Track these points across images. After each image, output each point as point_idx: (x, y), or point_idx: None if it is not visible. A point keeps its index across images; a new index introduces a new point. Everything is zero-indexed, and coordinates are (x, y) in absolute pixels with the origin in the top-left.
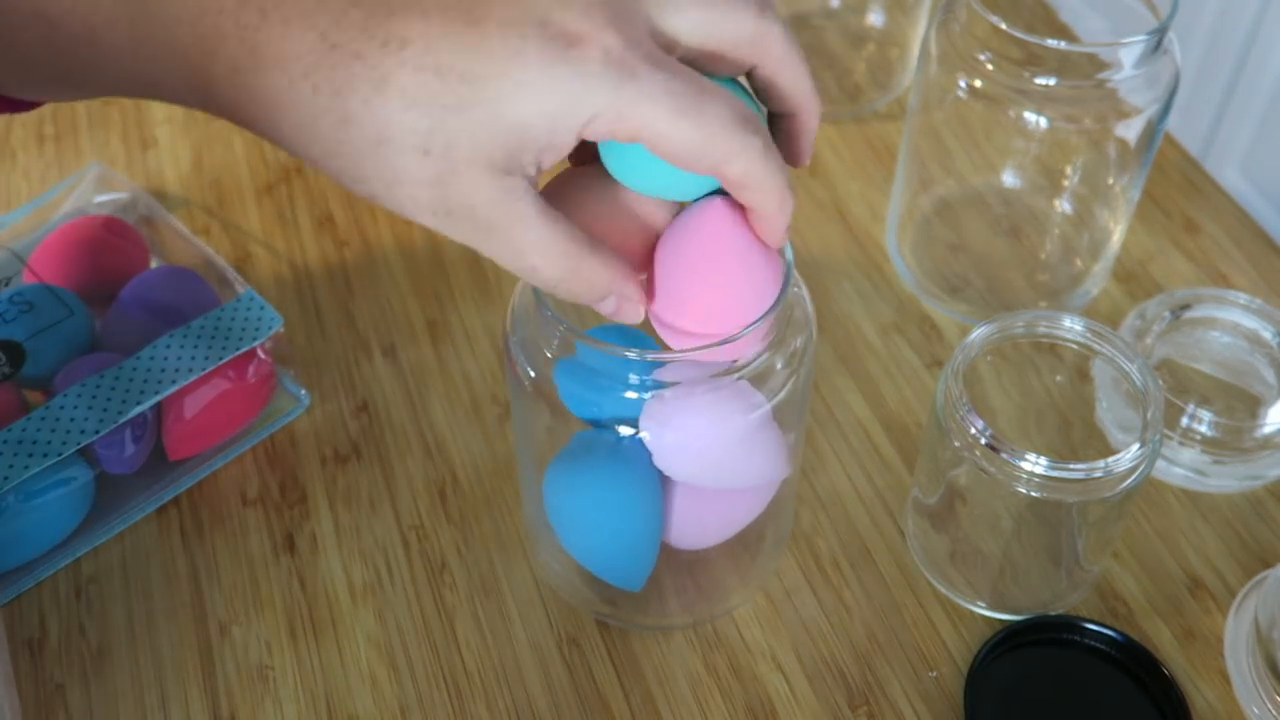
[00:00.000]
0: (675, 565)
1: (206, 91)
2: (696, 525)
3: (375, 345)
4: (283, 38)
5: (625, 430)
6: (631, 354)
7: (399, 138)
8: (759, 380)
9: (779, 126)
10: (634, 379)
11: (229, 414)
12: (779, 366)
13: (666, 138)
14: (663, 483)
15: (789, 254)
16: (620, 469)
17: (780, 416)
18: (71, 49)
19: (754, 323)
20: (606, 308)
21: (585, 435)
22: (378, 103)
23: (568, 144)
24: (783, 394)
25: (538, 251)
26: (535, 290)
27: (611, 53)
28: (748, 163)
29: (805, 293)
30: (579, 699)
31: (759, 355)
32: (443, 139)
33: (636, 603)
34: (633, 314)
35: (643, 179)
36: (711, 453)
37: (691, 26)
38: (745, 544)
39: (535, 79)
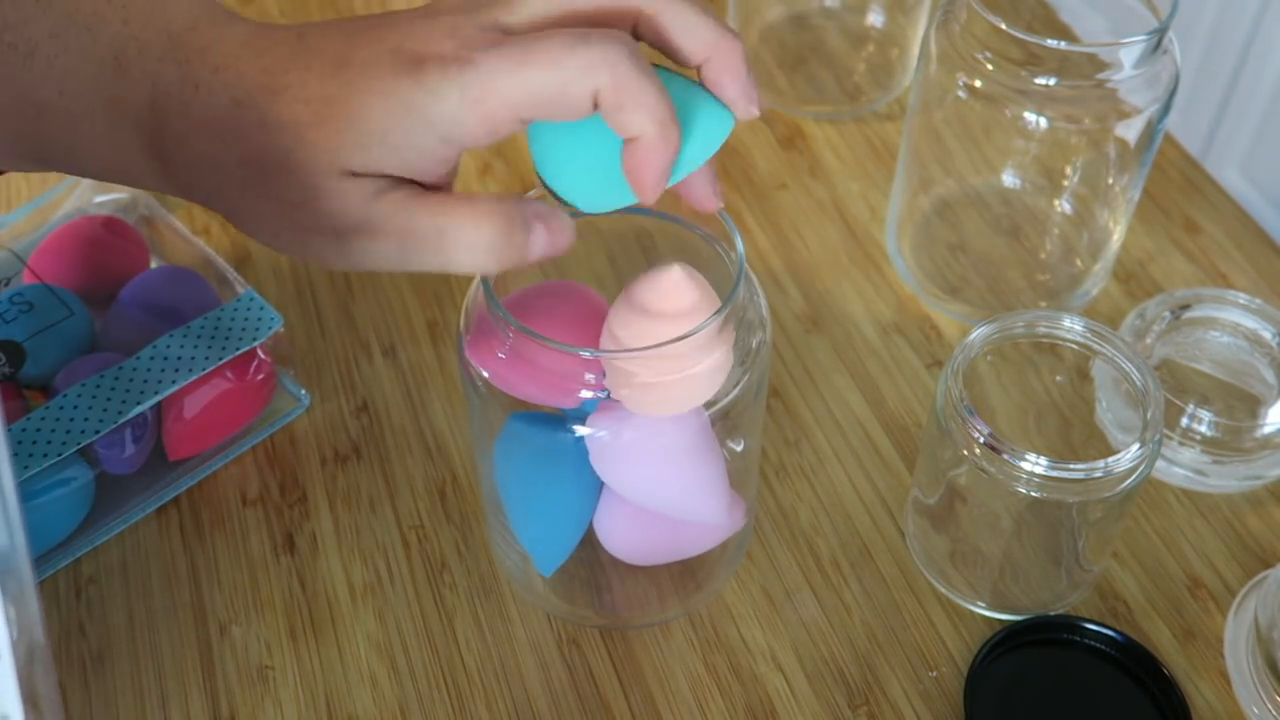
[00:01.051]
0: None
1: (163, 166)
2: (638, 541)
3: (375, 345)
4: (206, 104)
5: (581, 430)
6: (585, 352)
7: (272, 165)
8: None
9: (706, 80)
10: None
11: (229, 414)
12: (733, 365)
13: (527, 95)
14: (606, 494)
15: (740, 248)
16: (558, 454)
17: (734, 418)
18: (56, 137)
19: (703, 324)
20: (537, 243)
21: (533, 415)
22: (258, 137)
23: (441, 155)
24: (735, 391)
25: (437, 220)
26: (486, 289)
27: (447, 57)
28: (612, 71)
29: (761, 295)
30: (579, 699)
31: (726, 394)
32: (302, 154)
33: (619, 603)
34: (566, 228)
35: (572, 180)
36: (651, 464)
37: (545, 6)
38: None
39: (388, 94)
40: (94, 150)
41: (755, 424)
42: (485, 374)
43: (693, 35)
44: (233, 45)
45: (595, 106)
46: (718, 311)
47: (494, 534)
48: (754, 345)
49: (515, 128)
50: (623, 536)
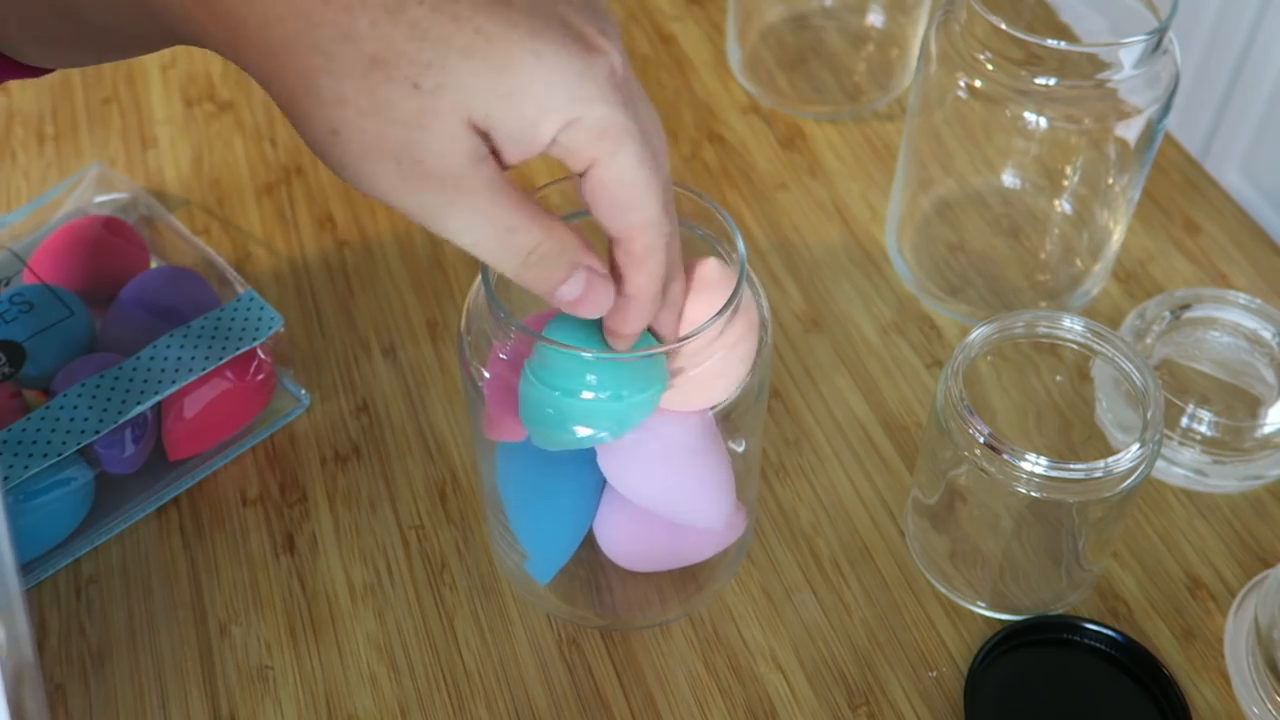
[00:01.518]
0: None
1: (209, 16)
2: (638, 547)
3: (375, 345)
4: None
5: (583, 431)
6: (587, 354)
7: (394, 63)
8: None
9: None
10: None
11: (229, 414)
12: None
13: (618, 181)
14: (608, 498)
15: (742, 250)
16: (559, 459)
17: (735, 419)
18: None
19: (704, 325)
20: (575, 287)
21: None
22: (386, 25)
23: (542, 141)
24: (737, 392)
25: (514, 212)
26: (488, 289)
27: (617, 74)
28: (651, 243)
29: (763, 296)
30: (579, 699)
31: (734, 393)
32: (437, 77)
33: (619, 604)
34: (604, 293)
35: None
36: (658, 464)
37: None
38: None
39: (549, 57)
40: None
41: (757, 425)
42: (487, 375)
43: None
44: None
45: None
46: (720, 311)
47: (494, 535)
48: (755, 346)
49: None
50: (623, 542)
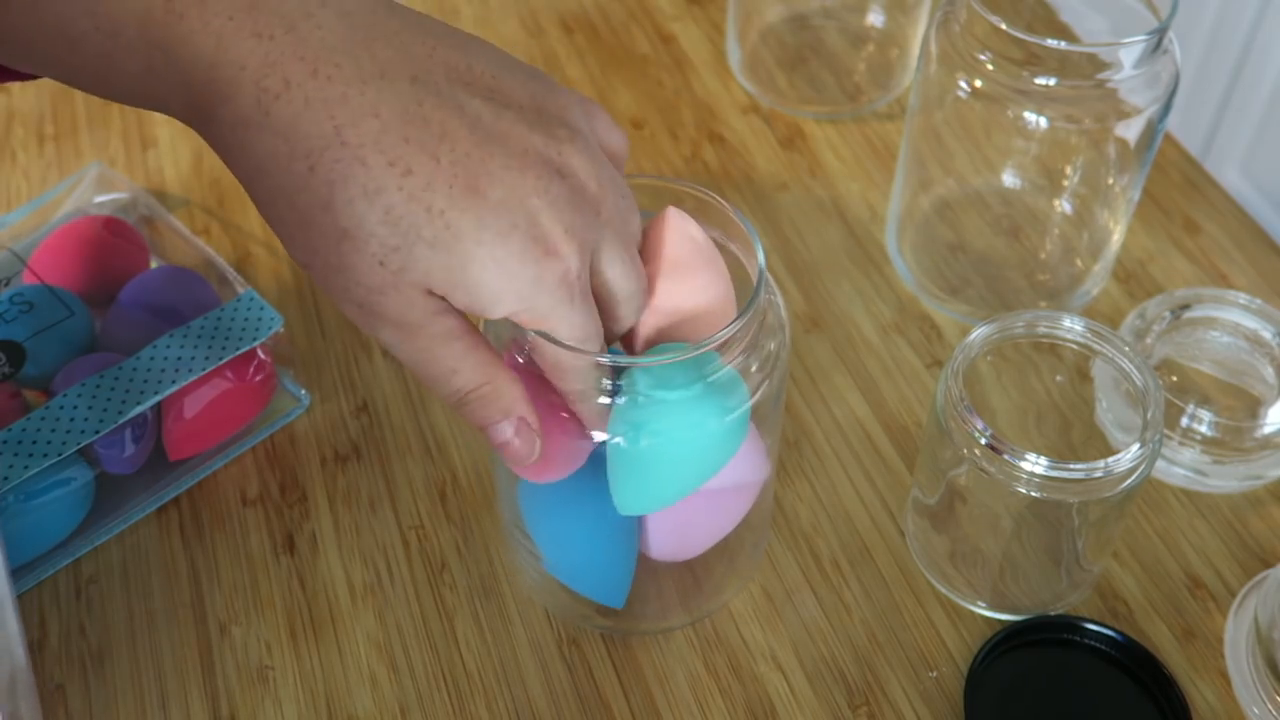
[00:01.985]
0: (663, 568)
1: (206, 128)
2: (676, 536)
3: (375, 345)
4: (298, 113)
5: (599, 436)
6: (604, 360)
7: (364, 241)
8: None
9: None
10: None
11: (229, 414)
12: (753, 370)
13: (553, 353)
14: None
15: (761, 259)
16: (594, 479)
17: (755, 421)
18: (83, 67)
19: (725, 329)
20: (504, 432)
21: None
22: (362, 206)
23: (494, 316)
24: (757, 397)
25: (458, 357)
26: None
27: (569, 275)
28: (584, 410)
29: (779, 298)
30: (579, 699)
31: (733, 358)
32: (401, 260)
33: (629, 609)
34: (530, 445)
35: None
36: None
37: (615, 279)
38: (729, 537)
39: (506, 265)
40: (123, 85)
41: (775, 428)
42: None
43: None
44: (337, 36)
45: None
46: (740, 316)
47: (513, 548)
48: (773, 349)
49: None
50: (666, 538)
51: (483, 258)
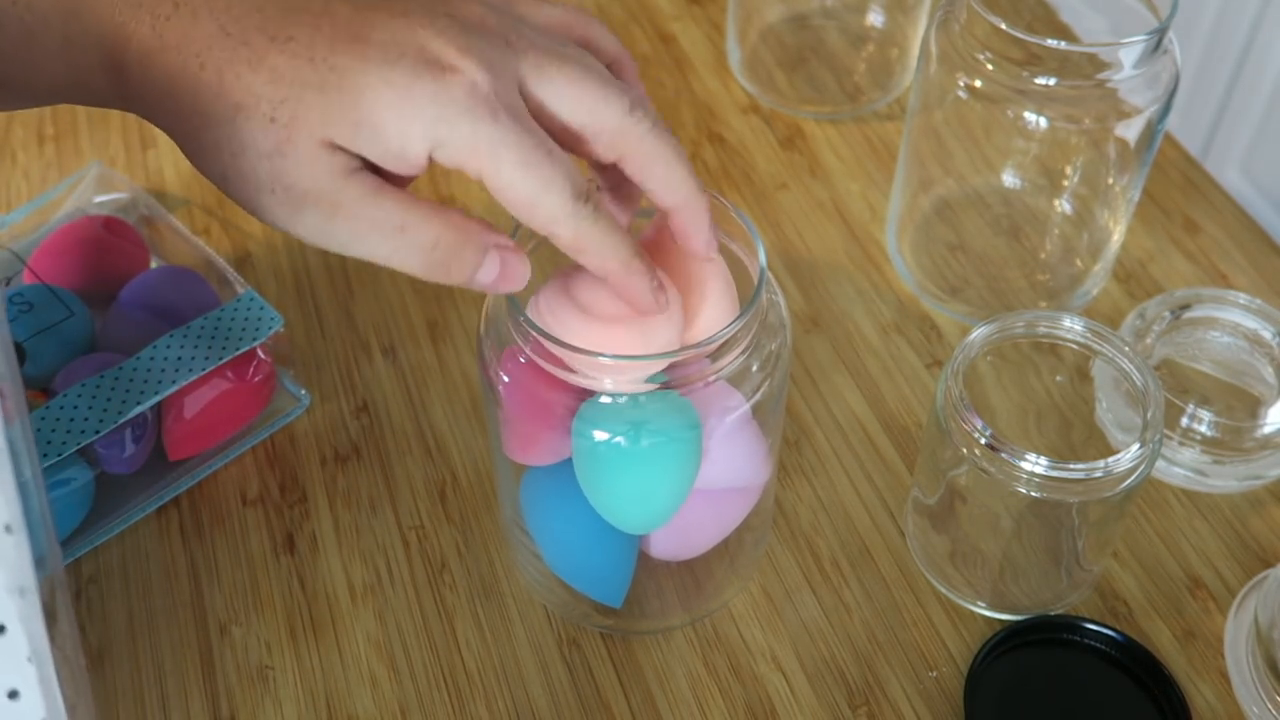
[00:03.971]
0: (664, 569)
1: (121, 81)
2: (677, 536)
3: (375, 345)
4: (187, 27)
5: (601, 435)
6: (605, 359)
7: (253, 105)
8: (734, 383)
9: (670, 220)
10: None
11: (229, 414)
12: (754, 369)
13: (509, 187)
14: None
15: (762, 259)
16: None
17: (757, 420)
18: (10, 52)
19: (726, 328)
20: (490, 269)
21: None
22: (248, 77)
23: (417, 161)
24: (758, 396)
25: (400, 213)
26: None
27: (479, 88)
28: (576, 230)
29: (780, 297)
30: (579, 699)
31: (735, 357)
32: (291, 110)
33: (629, 609)
34: (521, 267)
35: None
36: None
37: (558, 100)
38: (729, 537)
39: (401, 88)
40: (49, 66)
41: (776, 428)
42: (506, 379)
43: (666, 189)
44: None
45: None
46: (741, 315)
47: (513, 546)
48: (774, 348)
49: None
50: (667, 537)
51: (375, 87)
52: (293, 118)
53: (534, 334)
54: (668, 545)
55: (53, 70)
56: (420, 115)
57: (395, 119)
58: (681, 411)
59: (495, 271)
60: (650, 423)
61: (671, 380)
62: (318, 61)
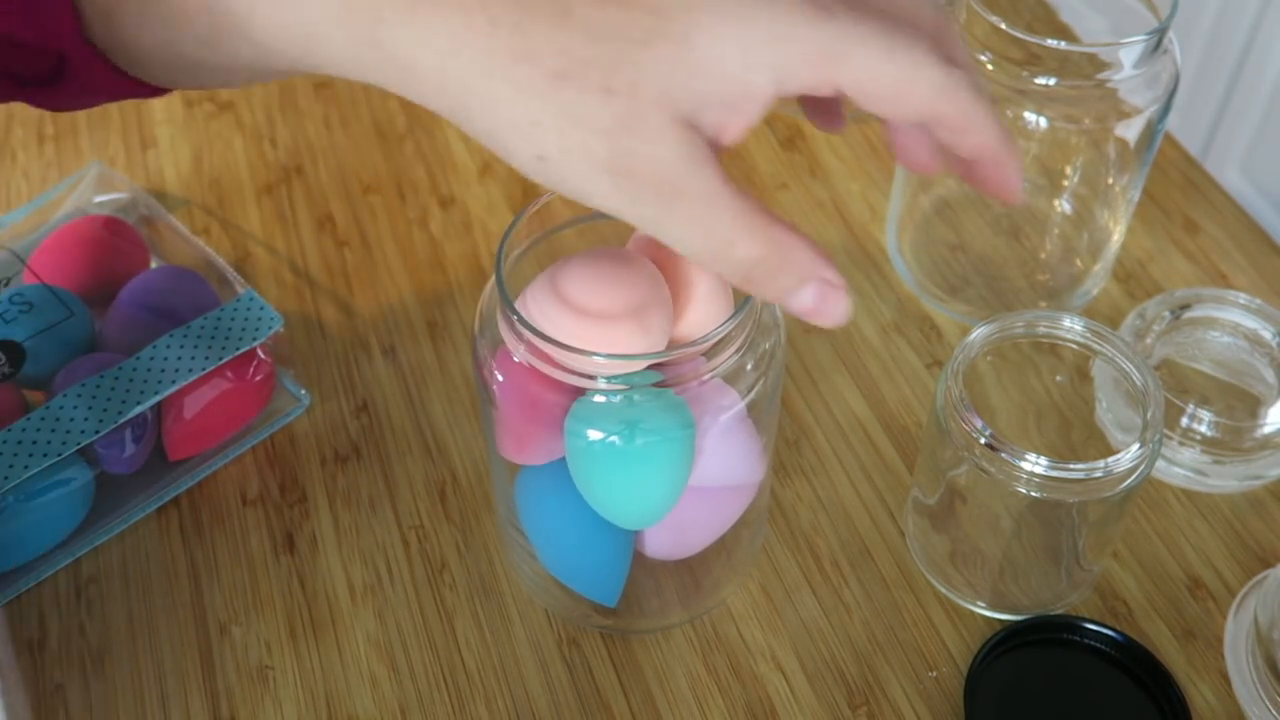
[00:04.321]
0: (660, 566)
1: (371, 38)
2: (672, 535)
3: (375, 345)
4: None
5: (595, 435)
6: (599, 358)
7: (580, 73)
8: (728, 382)
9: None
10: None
11: (229, 414)
12: (748, 368)
13: (876, 80)
14: None
15: None
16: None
17: (752, 419)
18: (227, 25)
19: (723, 324)
20: (805, 299)
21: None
22: (561, 36)
23: (763, 98)
24: (752, 395)
25: (733, 223)
26: (501, 291)
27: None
28: (962, 99)
29: None
30: (579, 699)
31: (729, 356)
32: (629, 76)
33: (627, 608)
34: (839, 306)
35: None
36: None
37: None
38: (725, 534)
39: (729, 11)
40: (279, 16)
41: (771, 426)
42: (500, 378)
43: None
44: None
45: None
46: (735, 314)
47: (510, 545)
48: (768, 347)
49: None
50: (662, 536)
51: (699, 23)
52: (633, 85)
53: (527, 333)
54: (663, 545)
55: (284, 20)
56: (759, 39)
57: (735, 51)
58: (675, 410)
59: (809, 304)
60: (644, 421)
61: (666, 379)
62: (633, 6)
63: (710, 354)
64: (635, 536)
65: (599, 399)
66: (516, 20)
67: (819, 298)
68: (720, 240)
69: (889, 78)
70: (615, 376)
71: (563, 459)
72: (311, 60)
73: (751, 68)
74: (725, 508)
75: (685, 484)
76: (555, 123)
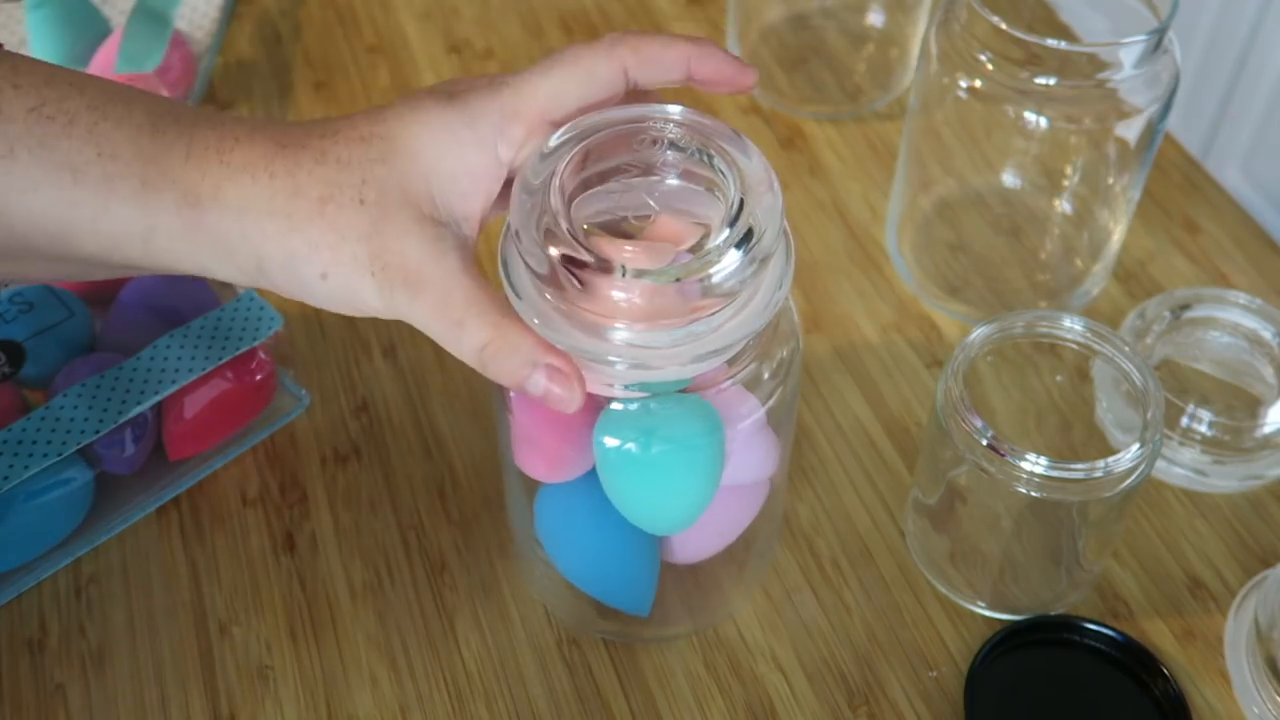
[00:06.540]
0: (673, 577)
1: (195, 215)
2: (696, 535)
3: (375, 345)
4: (247, 150)
5: (612, 442)
6: (617, 363)
7: (338, 195)
8: (747, 389)
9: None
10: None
11: (229, 414)
12: (766, 376)
13: (558, 90)
14: None
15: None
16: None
17: (773, 427)
18: (87, 199)
19: (744, 336)
20: (535, 385)
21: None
22: (319, 171)
23: (487, 174)
24: (771, 402)
25: (465, 307)
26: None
27: (479, 84)
28: (630, 41)
29: (793, 304)
30: (579, 699)
31: (747, 363)
32: (375, 188)
33: (637, 619)
34: (569, 392)
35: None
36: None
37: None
38: (739, 544)
39: (435, 122)
40: (123, 211)
41: (788, 434)
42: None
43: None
44: (260, 121)
45: (625, 75)
46: (758, 321)
47: (522, 560)
48: (785, 355)
49: (548, 132)
50: (686, 539)
51: (414, 135)
52: (380, 194)
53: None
54: (685, 548)
55: (127, 215)
56: (456, 136)
57: (447, 149)
58: (704, 413)
59: (538, 390)
60: (670, 428)
61: (688, 384)
62: (369, 138)
63: (732, 360)
64: (659, 545)
65: (623, 406)
66: (289, 169)
67: (547, 382)
68: (453, 322)
69: (599, 68)
70: (635, 384)
71: (587, 473)
72: (152, 259)
73: (464, 158)
74: (745, 509)
75: (717, 486)
76: (326, 238)
